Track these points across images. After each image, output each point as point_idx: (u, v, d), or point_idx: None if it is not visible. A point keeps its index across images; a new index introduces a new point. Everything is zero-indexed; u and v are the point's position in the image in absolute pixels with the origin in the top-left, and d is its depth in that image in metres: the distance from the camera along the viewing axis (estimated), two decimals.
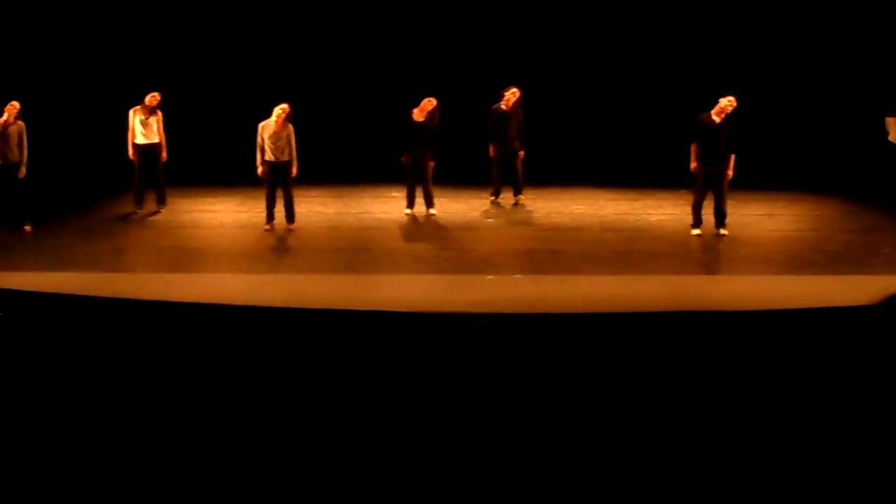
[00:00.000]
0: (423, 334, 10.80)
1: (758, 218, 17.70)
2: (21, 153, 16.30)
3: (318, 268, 14.74)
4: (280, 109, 16.31)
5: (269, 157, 16.33)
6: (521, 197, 18.54)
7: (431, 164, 17.45)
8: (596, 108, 21.22)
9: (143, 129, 17.52)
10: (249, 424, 7.89)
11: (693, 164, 16.04)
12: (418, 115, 17.27)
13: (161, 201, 18.04)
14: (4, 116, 16.28)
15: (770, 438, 7.62)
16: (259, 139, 16.38)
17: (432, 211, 17.61)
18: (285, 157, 16.36)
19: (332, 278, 14.12)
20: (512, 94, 17.97)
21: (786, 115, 20.99)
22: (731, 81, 17.95)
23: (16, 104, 16.37)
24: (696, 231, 16.30)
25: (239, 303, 12.15)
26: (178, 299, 12.13)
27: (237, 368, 9.30)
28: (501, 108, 18.00)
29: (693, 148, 16.01)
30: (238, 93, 19.38)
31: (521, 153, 18.25)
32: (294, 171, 16.48)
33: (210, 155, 19.22)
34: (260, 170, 16.46)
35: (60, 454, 7.36)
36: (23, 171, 16.33)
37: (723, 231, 16.20)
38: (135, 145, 17.57)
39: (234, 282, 14.06)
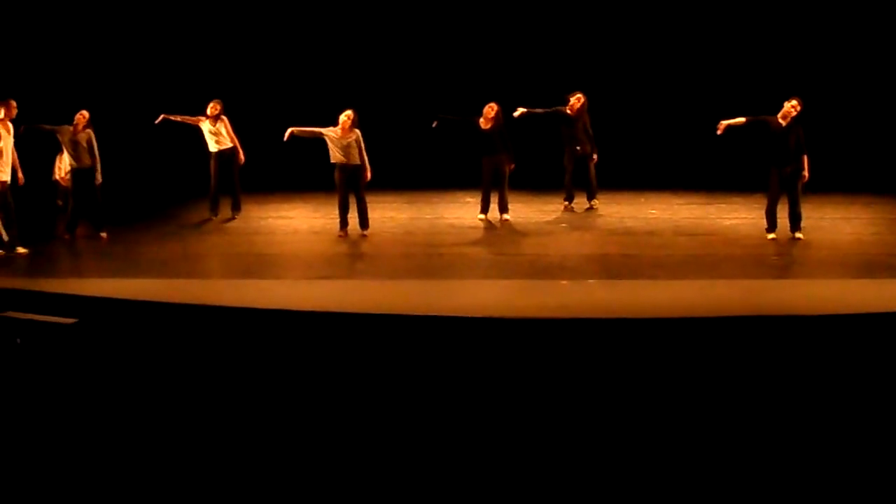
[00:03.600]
0: (498, 339, 10.80)
1: (834, 221, 17.54)
2: (94, 159, 16.48)
3: (392, 273, 14.72)
4: (345, 116, 16.31)
5: (338, 160, 16.36)
6: (595, 201, 18.51)
7: (510, 167, 17.43)
8: (669, 112, 21.15)
9: (214, 136, 17.65)
10: (326, 428, 7.92)
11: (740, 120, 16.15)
12: (483, 123, 17.25)
13: (236, 208, 18.15)
14: (74, 125, 16.46)
15: (851, 440, 7.54)
16: (320, 131, 16.45)
17: (506, 216, 17.57)
18: (356, 161, 16.38)
19: (406, 284, 14.10)
20: (577, 100, 17.96)
21: (861, 118, 20.82)
22: (803, 83, 17.87)
23: (85, 113, 16.56)
24: (770, 235, 16.16)
25: (313, 309, 12.17)
26: (253, 305, 12.17)
27: (312, 374, 9.34)
28: (566, 112, 17.98)
29: (745, 120, 16.09)
30: (311, 99, 19.44)
31: (595, 157, 18.21)
32: (367, 175, 16.48)
33: (283, 162, 19.33)
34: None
35: (138, 456, 7.42)
36: (98, 177, 16.53)
37: (798, 235, 16.05)
38: (210, 153, 17.71)
39: (308, 288, 14.10)
